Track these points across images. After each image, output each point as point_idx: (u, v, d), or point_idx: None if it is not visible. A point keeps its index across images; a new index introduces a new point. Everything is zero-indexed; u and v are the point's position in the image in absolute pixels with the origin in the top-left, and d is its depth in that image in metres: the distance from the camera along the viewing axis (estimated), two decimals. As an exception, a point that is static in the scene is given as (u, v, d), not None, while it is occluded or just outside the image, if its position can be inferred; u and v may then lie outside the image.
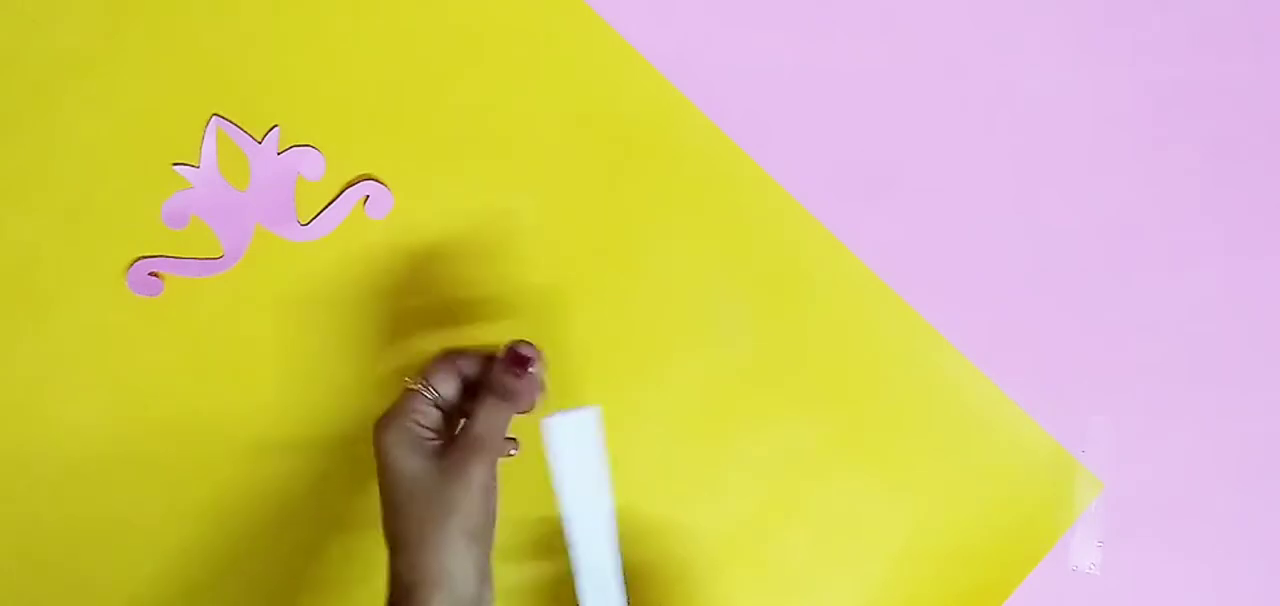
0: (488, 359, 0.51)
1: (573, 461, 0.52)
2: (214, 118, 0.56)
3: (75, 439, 0.56)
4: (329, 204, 0.57)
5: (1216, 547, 0.60)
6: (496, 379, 0.49)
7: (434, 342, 0.57)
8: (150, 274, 0.56)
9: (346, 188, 0.57)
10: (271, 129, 0.56)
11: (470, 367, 0.51)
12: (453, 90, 0.57)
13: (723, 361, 0.58)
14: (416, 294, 0.57)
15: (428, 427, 0.48)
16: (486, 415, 0.48)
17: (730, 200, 0.58)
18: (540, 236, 0.58)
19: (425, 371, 0.49)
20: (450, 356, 0.50)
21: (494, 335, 0.57)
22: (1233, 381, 0.60)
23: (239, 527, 0.57)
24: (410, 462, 0.46)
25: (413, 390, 0.48)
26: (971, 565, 0.59)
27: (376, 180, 0.57)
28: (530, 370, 0.49)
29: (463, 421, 0.49)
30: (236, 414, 0.57)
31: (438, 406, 0.49)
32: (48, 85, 0.56)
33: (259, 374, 0.57)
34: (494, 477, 0.48)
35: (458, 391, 0.50)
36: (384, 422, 0.47)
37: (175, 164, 0.56)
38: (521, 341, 0.50)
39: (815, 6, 0.59)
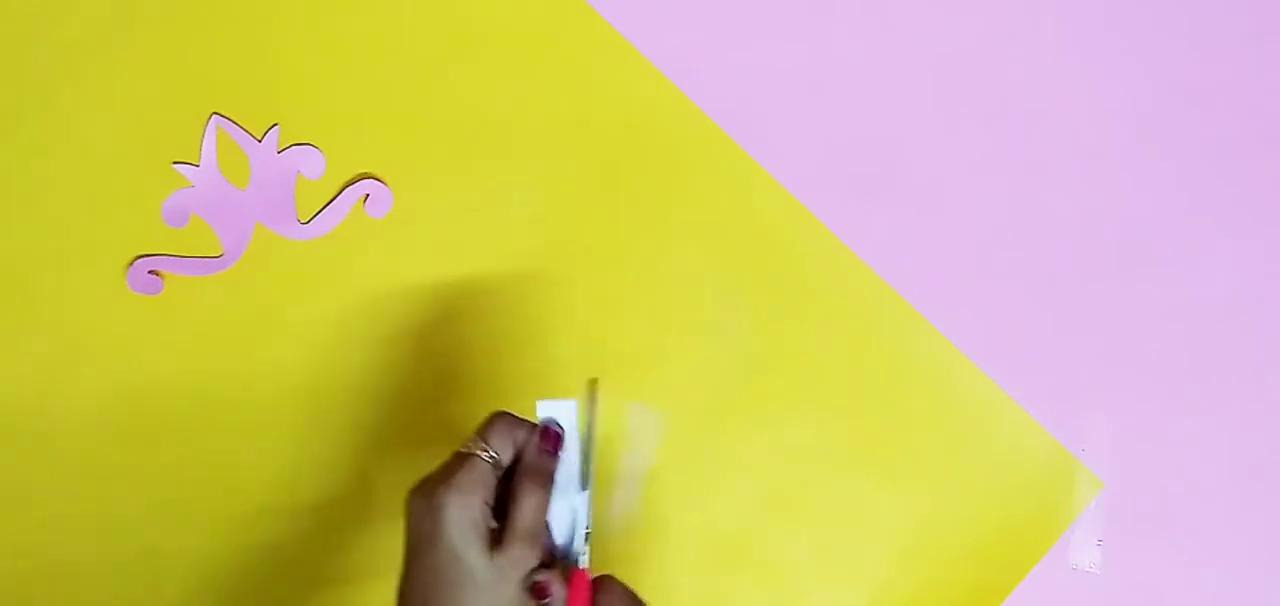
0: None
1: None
2: (214, 117, 0.56)
3: (75, 437, 0.56)
4: (329, 203, 0.57)
5: (1216, 547, 0.60)
6: (536, 459, 0.43)
7: (433, 345, 0.57)
8: (150, 272, 0.56)
9: (346, 186, 0.57)
10: (271, 128, 0.56)
11: (523, 435, 0.43)
12: (453, 89, 0.57)
13: (722, 361, 0.58)
14: (416, 293, 0.57)
15: (491, 506, 0.41)
16: (534, 502, 0.41)
17: (730, 200, 0.58)
18: (540, 236, 0.58)
19: (484, 431, 0.42)
20: (508, 419, 0.43)
21: (494, 334, 0.57)
22: (1233, 381, 0.60)
23: (238, 525, 0.57)
24: (470, 551, 0.39)
25: (473, 456, 0.41)
26: (971, 564, 0.59)
27: (376, 179, 0.57)
28: (558, 451, 0.44)
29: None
30: (236, 412, 0.57)
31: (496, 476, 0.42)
32: (48, 84, 0.56)
33: (259, 372, 0.57)
34: None
35: (511, 460, 0.43)
36: (443, 492, 0.40)
37: (175, 163, 0.56)
38: (551, 421, 0.44)
39: (816, 7, 0.59)
